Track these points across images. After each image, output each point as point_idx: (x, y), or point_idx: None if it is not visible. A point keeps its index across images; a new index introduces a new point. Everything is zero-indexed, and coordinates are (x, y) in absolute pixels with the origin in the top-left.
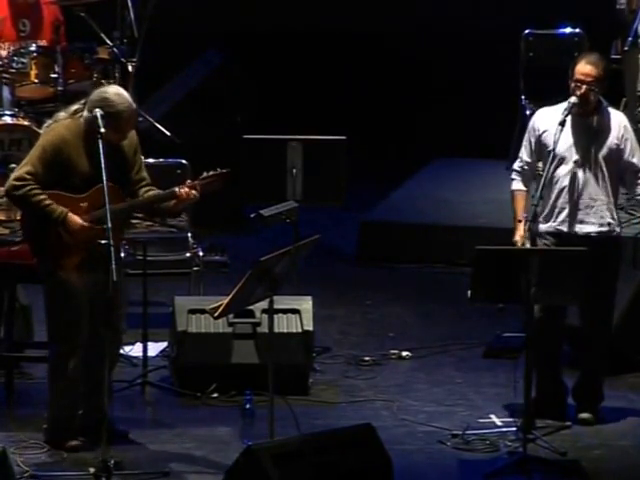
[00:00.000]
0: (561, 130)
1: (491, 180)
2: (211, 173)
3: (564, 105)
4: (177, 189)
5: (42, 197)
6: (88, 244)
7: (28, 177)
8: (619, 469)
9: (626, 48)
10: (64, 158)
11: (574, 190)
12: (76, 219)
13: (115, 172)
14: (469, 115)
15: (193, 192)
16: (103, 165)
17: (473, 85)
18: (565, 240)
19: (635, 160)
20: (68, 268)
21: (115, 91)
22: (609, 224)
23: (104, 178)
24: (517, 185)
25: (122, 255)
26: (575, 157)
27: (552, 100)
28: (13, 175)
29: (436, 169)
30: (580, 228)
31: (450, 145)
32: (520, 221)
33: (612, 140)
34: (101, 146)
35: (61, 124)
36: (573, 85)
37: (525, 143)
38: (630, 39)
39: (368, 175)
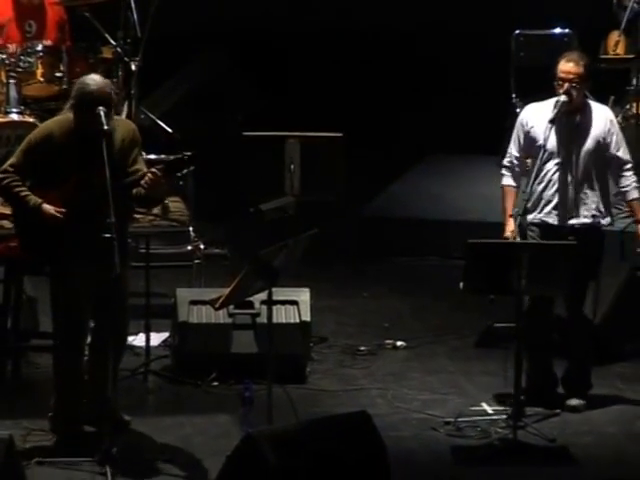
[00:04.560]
0: (551, 128)
1: (482, 176)
2: (172, 157)
3: (552, 101)
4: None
5: (20, 188)
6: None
7: (10, 169)
8: (607, 455)
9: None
10: (48, 151)
11: (561, 183)
12: (49, 208)
13: (108, 164)
14: (461, 113)
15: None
16: (106, 160)
17: (465, 83)
18: (549, 231)
19: (620, 154)
20: (64, 261)
21: (91, 76)
22: (594, 216)
23: (107, 175)
24: (507, 180)
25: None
26: (562, 152)
27: (541, 98)
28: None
29: (429, 165)
30: (566, 220)
31: (442, 142)
32: (511, 216)
33: (598, 134)
34: (104, 144)
35: (52, 119)
36: (556, 84)
37: (514, 138)
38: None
39: (362, 171)
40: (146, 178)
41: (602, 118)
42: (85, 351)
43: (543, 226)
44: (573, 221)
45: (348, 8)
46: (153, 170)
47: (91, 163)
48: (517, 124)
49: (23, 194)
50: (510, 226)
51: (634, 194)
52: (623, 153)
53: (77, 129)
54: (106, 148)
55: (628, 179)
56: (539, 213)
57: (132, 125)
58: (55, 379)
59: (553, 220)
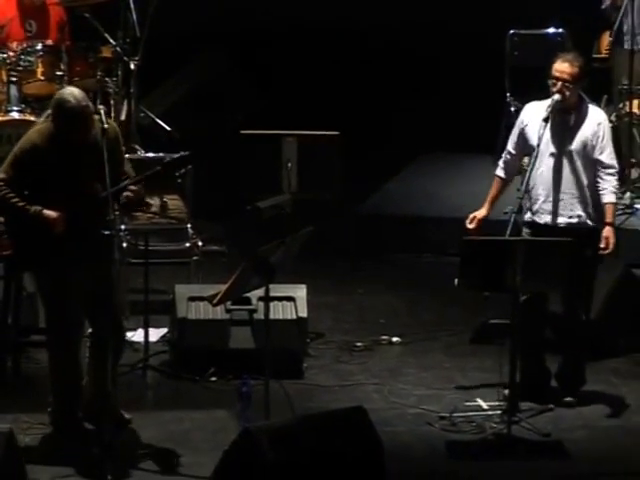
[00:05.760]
0: (545, 127)
1: (477, 174)
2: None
3: (549, 100)
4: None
5: (16, 199)
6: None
7: (1, 184)
8: (601, 450)
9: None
10: (35, 161)
11: (548, 183)
12: (51, 213)
13: (92, 169)
14: (456, 112)
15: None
16: (106, 158)
17: (460, 83)
18: (538, 230)
19: (602, 157)
20: (55, 264)
21: (69, 91)
22: (579, 216)
23: (107, 171)
24: (497, 171)
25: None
26: (551, 151)
27: (536, 97)
28: None
29: (424, 163)
30: (551, 219)
31: (437, 140)
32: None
33: (586, 136)
34: (105, 143)
35: (34, 129)
36: (550, 82)
37: (512, 134)
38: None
39: (358, 169)
40: (128, 193)
41: (593, 121)
42: (82, 348)
43: (535, 225)
44: (558, 221)
45: (348, 8)
46: (133, 188)
47: (80, 168)
48: (517, 120)
49: (21, 204)
50: (480, 211)
51: (609, 198)
52: (606, 157)
53: (59, 137)
54: (95, 152)
55: (607, 182)
56: (531, 212)
57: (113, 123)
58: (51, 375)
59: (544, 220)
